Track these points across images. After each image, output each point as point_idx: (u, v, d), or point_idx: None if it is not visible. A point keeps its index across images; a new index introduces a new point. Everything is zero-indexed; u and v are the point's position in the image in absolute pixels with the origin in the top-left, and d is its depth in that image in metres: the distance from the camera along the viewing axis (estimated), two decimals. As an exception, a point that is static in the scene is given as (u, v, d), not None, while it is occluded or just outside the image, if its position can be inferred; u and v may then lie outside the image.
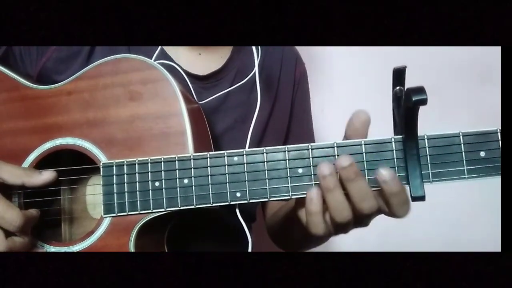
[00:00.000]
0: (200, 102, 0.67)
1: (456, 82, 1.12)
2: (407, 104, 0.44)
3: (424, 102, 0.43)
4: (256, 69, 0.66)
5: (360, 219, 0.48)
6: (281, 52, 0.78)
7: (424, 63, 1.09)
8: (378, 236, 1.13)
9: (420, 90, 0.43)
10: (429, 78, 1.09)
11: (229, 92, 0.71)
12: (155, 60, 0.66)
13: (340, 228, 0.49)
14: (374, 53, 1.11)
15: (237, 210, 0.56)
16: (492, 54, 1.00)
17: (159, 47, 0.68)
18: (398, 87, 0.47)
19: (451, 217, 1.13)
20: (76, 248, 0.55)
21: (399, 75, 0.47)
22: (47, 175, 0.54)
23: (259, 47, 0.72)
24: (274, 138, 0.75)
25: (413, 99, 0.42)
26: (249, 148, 0.53)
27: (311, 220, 0.48)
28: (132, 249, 0.54)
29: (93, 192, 0.64)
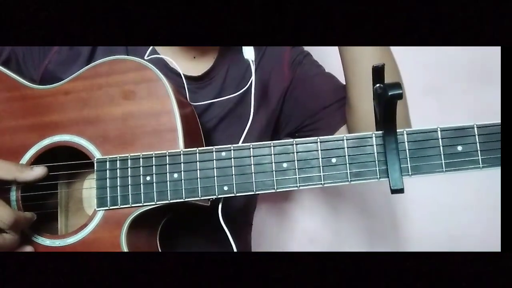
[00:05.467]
0: (194, 104, 0.67)
1: (456, 82, 1.12)
2: (384, 99, 0.46)
3: (399, 96, 0.44)
4: (253, 72, 0.65)
5: None
6: (270, 68, 0.77)
7: (424, 63, 1.09)
8: (378, 236, 1.13)
9: (396, 85, 0.45)
10: (429, 78, 1.10)
11: (223, 101, 0.71)
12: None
13: None
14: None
15: (220, 211, 0.58)
16: (492, 54, 1.00)
17: (151, 47, 0.69)
18: (378, 84, 0.48)
19: (450, 217, 1.13)
20: (70, 240, 0.56)
21: (378, 72, 0.48)
22: (38, 171, 0.56)
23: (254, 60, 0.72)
24: None
25: (389, 93, 0.44)
26: None
27: None
28: (123, 242, 0.55)
29: (90, 188, 0.65)
